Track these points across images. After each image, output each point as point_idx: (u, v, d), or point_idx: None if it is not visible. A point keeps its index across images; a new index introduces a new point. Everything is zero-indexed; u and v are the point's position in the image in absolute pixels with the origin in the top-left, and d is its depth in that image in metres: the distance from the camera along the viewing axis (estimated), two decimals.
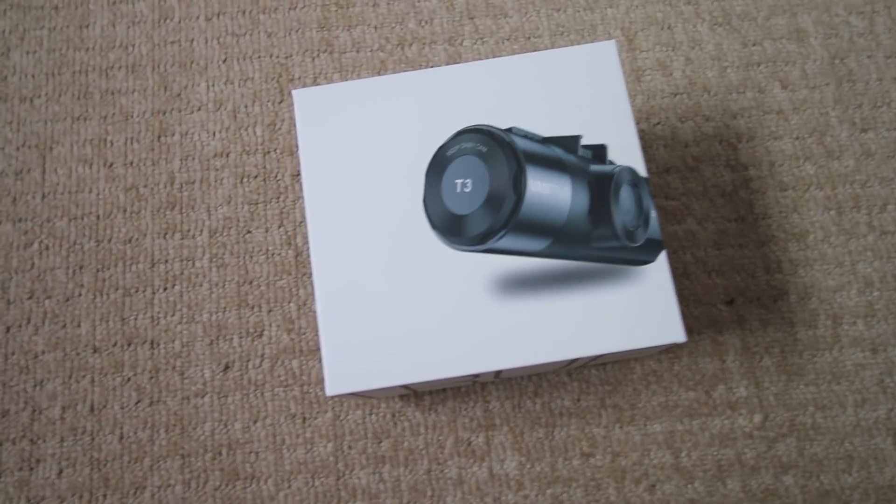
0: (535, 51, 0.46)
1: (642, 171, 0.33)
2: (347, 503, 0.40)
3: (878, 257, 0.43)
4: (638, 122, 0.45)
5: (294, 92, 0.35)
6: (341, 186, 0.33)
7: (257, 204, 0.44)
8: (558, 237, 0.32)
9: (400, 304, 0.32)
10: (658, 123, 0.45)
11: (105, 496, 0.40)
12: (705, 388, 0.41)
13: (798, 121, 0.45)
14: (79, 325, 0.43)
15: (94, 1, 0.48)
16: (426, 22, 0.48)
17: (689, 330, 0.42)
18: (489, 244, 0.32)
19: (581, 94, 0.34)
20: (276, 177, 0.45)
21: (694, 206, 0.44)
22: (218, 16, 0.48)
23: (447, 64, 0.46)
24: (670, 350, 0.42)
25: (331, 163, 0.34)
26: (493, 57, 0.46)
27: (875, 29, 0.47)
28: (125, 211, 0.44)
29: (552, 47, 0.47)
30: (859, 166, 0.44)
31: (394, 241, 0.33)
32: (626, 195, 0.33)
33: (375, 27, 0.48)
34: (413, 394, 0.41)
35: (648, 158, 0.45)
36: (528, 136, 0.33)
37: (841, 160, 0.44)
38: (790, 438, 0.40)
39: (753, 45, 0.47)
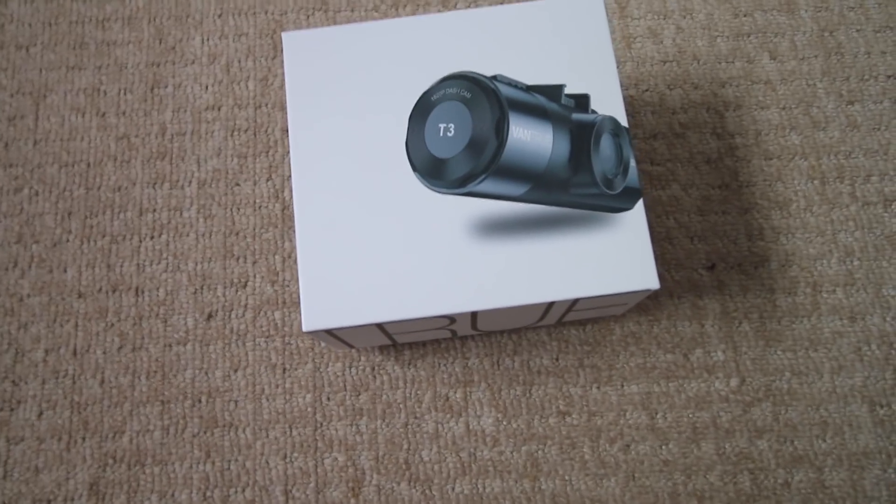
0: None
1: (623, 121, 0.33)
2: (324, 454, 0.40)
3: (859, 227, 0.43)
4: (627, 89, 0.46)
5: (283, 34, 0.35)
6: (326, 127, 0.34)
7: (246, 157, 0.45)
8: (538, 182, 0.33)
9: (379, 243, 0.32)
10: (647, 90, 0.46)
11: (84, 438, 0.41)
12: (683, 351, 0.42)
13: (785, 91, 0.45)
14: (65, 271, 0.43)
15: None
16: None
17: (670, 294, 0.42)
18: (469, 187, 0.33)
19: (567, 45, 0.35)
20: (266, 131, 0.45)
21: (679, 172, 0.44)
22: None
23: None
24: (650, 312, 0.42)
25: (317, 104, 0.34)
26: None
27: (865, 3, 0.47)
28: (115, 160, 0.45)
29: None
30: (844, 137, 0.45)
31: (376, 182, 0.33)
32: (606, 144, 0.33)
33: None
34: (393, 346, 0.42)
35: (636, 124, 0.45)
36: (512, 83, 0.34)
37: (826, 131, 0.45)
38: (766, 403, 0.41)
39: (744, 15, 0.47)
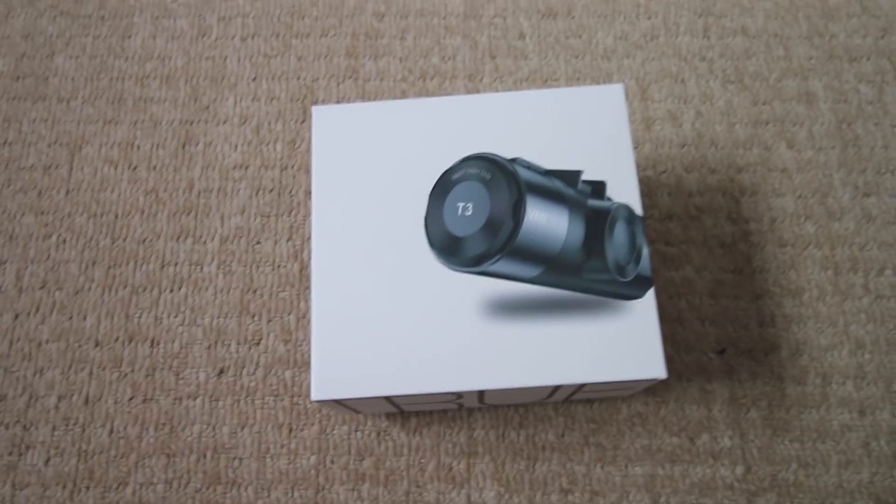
0: None
1: (639, 209, 0.34)
2: None
3: (871, 320, 0.43)
4: (644, 170, 0.47)
5: (313, 108, 0.36)
6: (348, 200, 0.35)
7: (269, 216, 0.46)
8: (551, 266, 0.33)
9: (392, 317, 0.33)
10: (664, 172, 0.47)
11: (88, 488, 0.41)
12: (690, 434, 0.41)
13: (802, 180, 0.46)
14: (84, 318, 0.44)
15: (139, 14, 0.51)
16: (449, 58, 0.50)
17: (678, 376, 0.42)
18: (484, 267, 0.33)
19: (587, 132, 0.36)
20: (290, 192, 0.46)
21: (693, 254, 0.45)
22: (253, 37, 0.50)
23: None
24: (657, 394, 0.42)
25: (341, 176, 0.35)
26: None
27: (884, 98, 0.48)
28: (143, 212, 0.46)
29: None
30: (859, 229, 0.45)
31: (393, 256, 0.34)
32: (620, 231, 0.34)
33: (400, 59, 0.50)
34: (399, 413, 0.42)
35: (652, 205, 0.46)
36: (531, 167, 0.35)
37: (841, 222, 0.45)
38: (770, 494, 0.40)
39: (763, 104, 0.48)
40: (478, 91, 0.49)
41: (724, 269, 0.44)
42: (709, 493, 0.40)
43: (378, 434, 0.42)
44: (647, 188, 0.46)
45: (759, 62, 0.49)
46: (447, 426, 0.42)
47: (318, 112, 0.36)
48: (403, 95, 0.49)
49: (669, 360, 0.43)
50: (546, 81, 0.49)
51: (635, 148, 0.47)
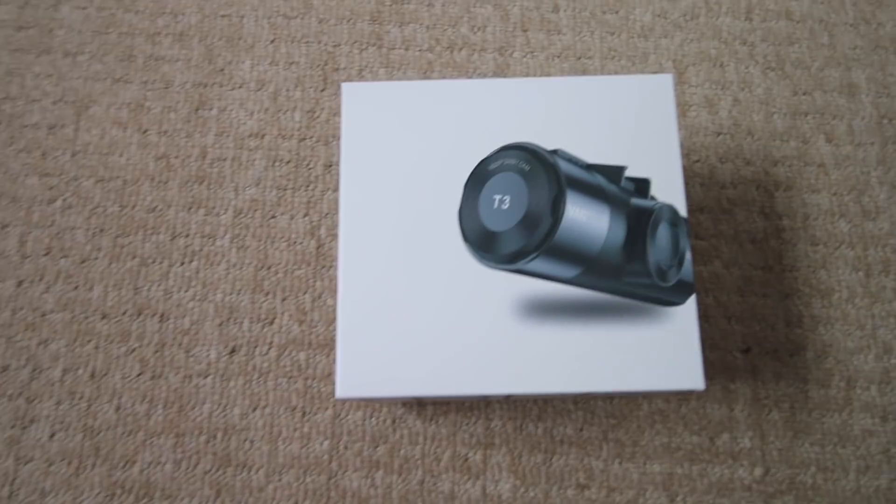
0: (584, 71, 0.46)
1: (683, 211, 0.33)
2: None
3: None
4: None
5: (343, 85, 0.34)
6: (378, 187, 0.33)
7: (286, 189, 0.44)
8: (590, 267, 0.32)
9: (420, 314, 0.31)
10: (697, 161, 0.45)
11: (94, 465, 0.40)
12: (710, 434, 0.41)
13: (838, 176, 0.45)
14: (91, 289, 0.42)
15: None
16: (479, 28, 0.47)
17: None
18: (520, 265, 0.32)
19: (631, 125, 0.34)
20: (307, 165, 0.44)
21: (723, 249, 0.43)
22: None
23: (494, 73, 0.46)
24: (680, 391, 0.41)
25: (370, 162, 0.33)
26: (541, 72, 0.46)
27: None
28: (153, 179, 0.44)
29: (602, 70, 0.46)
30: (894, 230, 0.44)
31: (423, 249, 0.32)
32: (663, 233, 0.32)
33: (427, 27, 0.47)
34: (417, 402, 0.41)
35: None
36: (572, 160, 0.33)
37: (876, 222, 0.44)
38: (788, 496, 0.40)
39: (804, 94, 0.46)
40: (508, 66, 0.46)
41: (753, 266, 0.43)
42: (726, 493, 0.40)
43: (393, 421, 0.41)
44: None
45: (802, 49, 0.47)
46: (464, 416, 0.41)
47: (347, 89, 0.34)
48: (430, 67, 0.46)
49: None
50: (579, 59, 0.46)
51: None
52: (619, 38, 0.47)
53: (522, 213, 0.32)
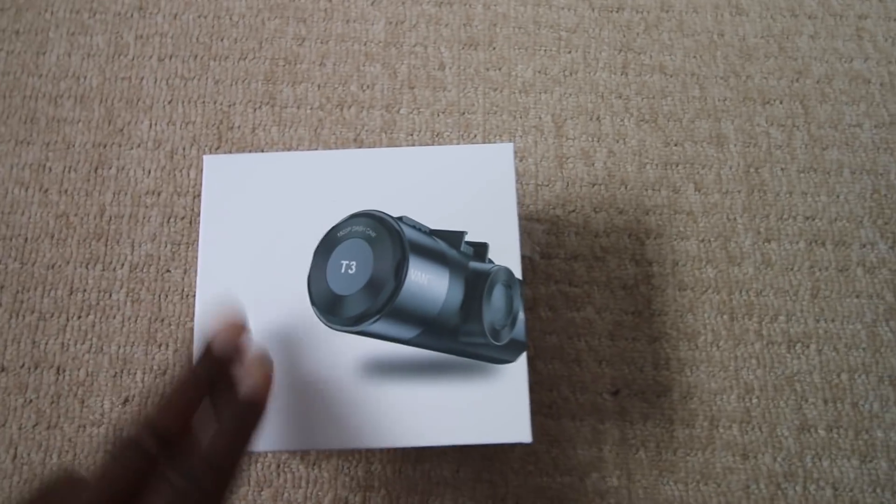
0: (467, 125, 0.48)
1: (518, 273, 0.35)
2: None
3: (761, 365, 0.44)
4: (554, 208, 0.47)
5: (205, 157, 0.37)
6: (235, 255, 0.35)
7: (180, 245, 0.46)
8: (429, 327, 0.34)
9: (275, 375, 0.34)
10: (573, 211, 0.47)
11: None
12: (580, 474, 0.43)
13: (706, 224, 0.47)
14: None
15: (55, 29, 0.50)
16: (367, 87, 0.50)
17: (572, 416, 0.44)
18: (363, 327, 0.34)
19: (474, 191, 0.36)
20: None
21: (595, 295, 0.46)
22: (170, 57, 0.50)
23: (381, 129, 0.48)
24: (550, 432, 0.43)
25: (229, 231, 0.35)
26: (426, 128, 0.48)
27: (793, 143, 0.49)
28: (52, 237, 0.46)
29: (485, 124, 0.49)
30: (758, 275, 0.46)
31: (277, 313, 0.34)
32: (498, 295, 0.35)
33: (319, 86, 0.50)
34: None
35: (559, 244, 0.47)
36: (416, 226, 0.35)
37: (741, 267, 0.46)
38: None
39: (675, 144, 0.49)
40: (395, 122, 0.49)
41: (624, 311, 0.46)
42: None
43: (278, 466, 0.43)
44: (556, 227, 0.47)
45: (674, 102, 0.50)
46: (345, 460, 0.43)
47: (209, 162, 0.37)
48: (320, 124, 0.49)
49: (565, 400, 0.44)
50: (463, 114, 0.49)
51: (547, 185, 0.48)
52: (502, 93, 0.50)
53: (367, 277, 0.34)
